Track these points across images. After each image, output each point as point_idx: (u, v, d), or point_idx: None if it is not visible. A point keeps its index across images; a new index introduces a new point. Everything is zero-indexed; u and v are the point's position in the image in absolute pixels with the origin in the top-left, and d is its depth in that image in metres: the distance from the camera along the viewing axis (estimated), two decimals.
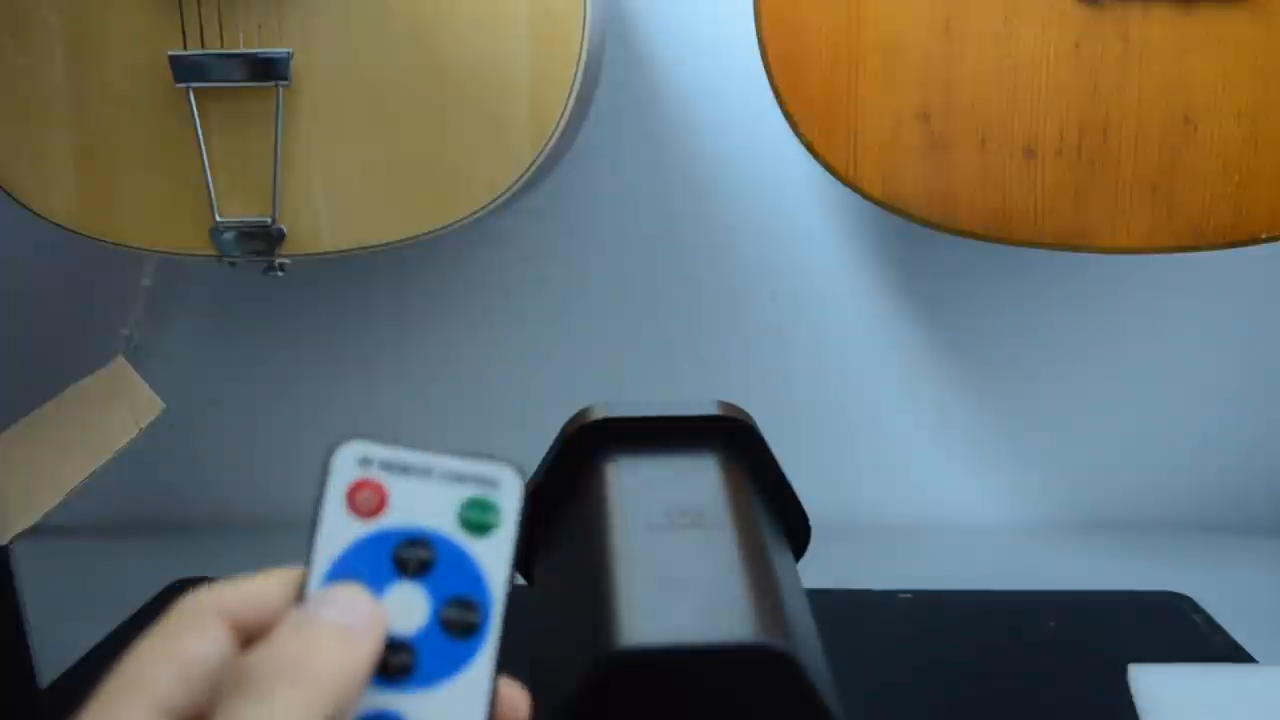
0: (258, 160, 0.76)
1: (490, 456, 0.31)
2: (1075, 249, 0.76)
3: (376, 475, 0.31)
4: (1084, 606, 0.81)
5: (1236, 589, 0.83)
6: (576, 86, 0.75)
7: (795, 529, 0.47)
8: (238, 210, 0.77)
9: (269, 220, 0.76)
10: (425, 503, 0.30)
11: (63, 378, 0.85)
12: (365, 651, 0.28)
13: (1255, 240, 0.75)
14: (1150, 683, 0.66)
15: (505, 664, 0.29)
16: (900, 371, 0.96)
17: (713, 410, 0.46)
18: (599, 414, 0.46)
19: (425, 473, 0.31)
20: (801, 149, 0.77)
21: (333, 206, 0.77)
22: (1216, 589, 0.81)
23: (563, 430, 0.46)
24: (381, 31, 0.75)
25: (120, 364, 0.86)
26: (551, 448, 0.46)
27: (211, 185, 0.76)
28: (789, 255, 0.94)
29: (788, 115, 0.76)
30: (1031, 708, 0.69)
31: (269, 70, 0.75)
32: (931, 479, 0.96)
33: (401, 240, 0.77)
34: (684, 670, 0.32)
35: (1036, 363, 0.95)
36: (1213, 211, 0.74)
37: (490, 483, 0.30)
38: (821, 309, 0.95)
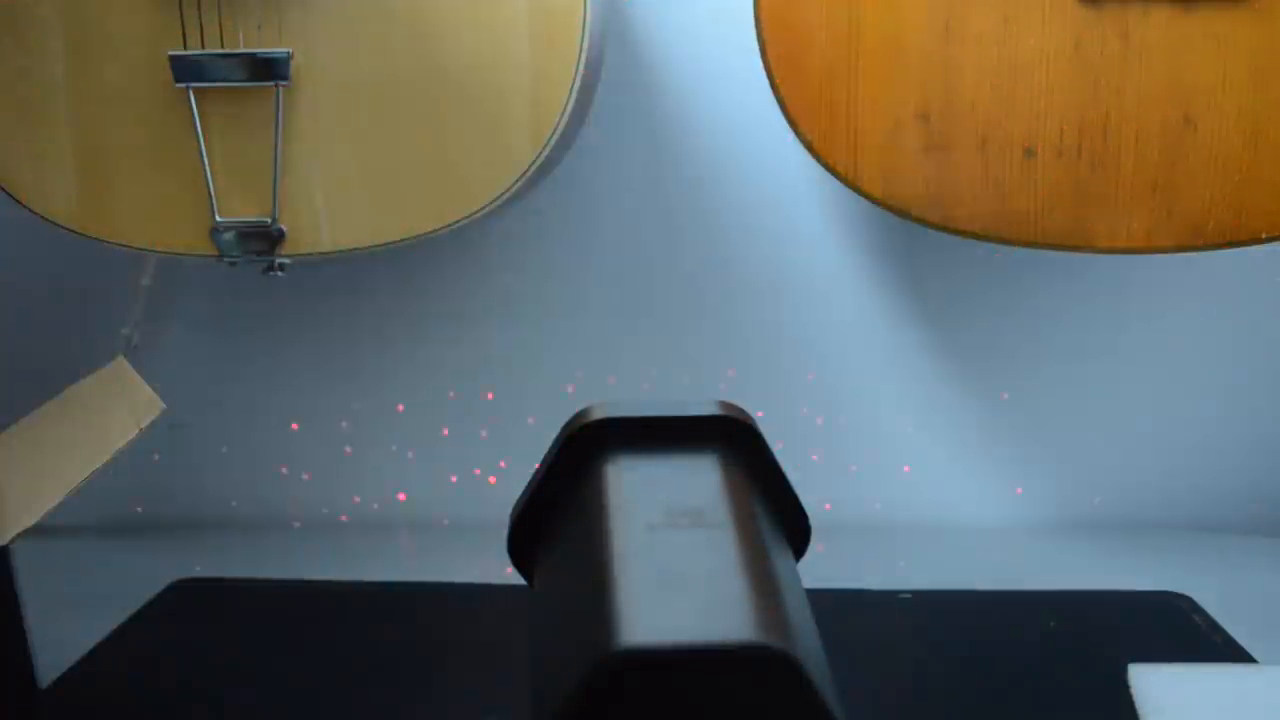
0: (258, 160, 0.76)
1: None
2: (1075, 249, 0.76)
3: None
4: (1084, 606, 0.81)
5: (1236, 589, 0.83)
6: (576, 86, 0.75)
7: (795, 529, 0.47)
8: (238, 210, 0.77)
9: (269, 220, 0.76)
10: None
11: (63, 378, 0.85)
12: None
13: (1255, 240, 0.75)
14: (1150, 683, 0.66)
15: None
16: (900, 371, 0.96)
17: (713, 410, 0.46)
18: (599, 414, 0.46)
19: None
20: (801, 149, 0.77)
21: (333, 206, 0.77)
22: (1216, 589, 0.81)
23: (562, 430, 0.46)
24: (381, 31, 0.75)
25: (120, 364, 0.86)
26: (551, 448, 0.46)
27: (211, 185, 0.76)
28: (789, 255, 0.94)
29: (787, 115, 0.76)
30: (1031, 708, 0.69)
31: (269, 70, 0.75)
32: (931, 479, 0.96)
33: (401, 240, 0.77)
34: (684, 670, 0.32)
35: (1037, 363, 0.95)
36: (1213, 211, 0.74)
37: None
38: (822, 309, 0.95)
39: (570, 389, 0.97)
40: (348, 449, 0.98)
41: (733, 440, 0.46)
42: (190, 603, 0.83)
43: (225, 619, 0.81)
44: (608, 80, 0.92)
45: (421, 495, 0.98)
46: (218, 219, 0.76)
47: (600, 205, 0.94)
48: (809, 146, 0.76)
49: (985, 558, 0.90)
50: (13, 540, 0.68)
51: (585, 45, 0.75)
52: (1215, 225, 0.75)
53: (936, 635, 0.78)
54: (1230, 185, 0.74)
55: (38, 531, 0.70)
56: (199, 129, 0.76)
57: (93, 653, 0.75)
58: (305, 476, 0.98)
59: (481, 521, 0.98)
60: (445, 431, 0.97)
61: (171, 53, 0.75)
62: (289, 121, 0.76)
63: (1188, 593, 0.81)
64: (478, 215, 0.77)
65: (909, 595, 0.82)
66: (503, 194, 0.76)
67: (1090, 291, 0.93)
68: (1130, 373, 0.94)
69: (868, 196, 0.77)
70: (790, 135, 0.78)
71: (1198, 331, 0.93)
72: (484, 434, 0.97)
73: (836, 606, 0.78)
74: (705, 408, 0.46)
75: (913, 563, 0.90)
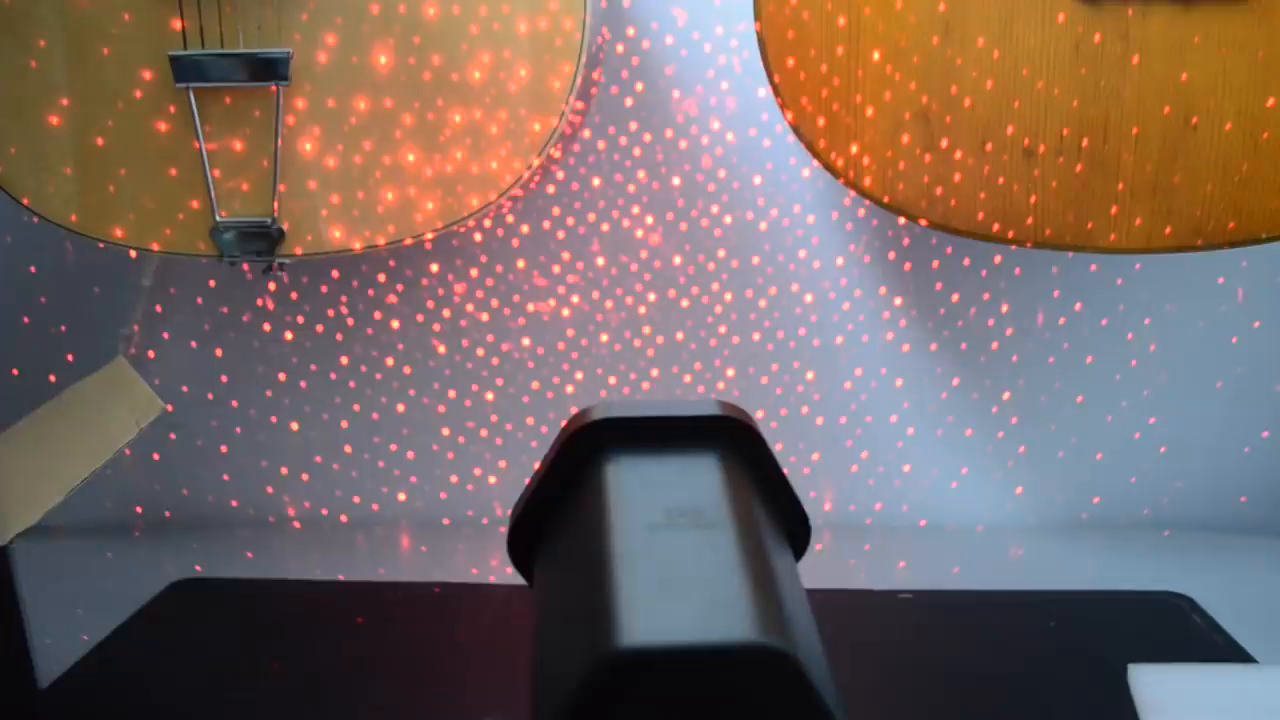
0: (258, 160, 0.76)
1: None
2: (1075, 249, 0.76)
3: None
4: (1084, 606, 0.81)
5: (1236, 589, 0.83)
6: (576, 86, 0.75)
7: (795, 529, 0.47)
8: (238, 210, 0.77)
9: (269, 220, 0.77)
10: None
11: (63, 378, 0.85)
12: None
13: (1255, 240, 0.75)
14: (1150, 683, 0.66)
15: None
16: (900, 371, 0.96)
17: (713, 410, 0.46)
18: (599, 414, 0.46)
19: None
20: (802, 148, 0.77)
21: (333, 206, 0.77)
22: (1216, 589, 0.81)
23: (562, 430, 0.46)
24: (381, 31, 0.75)
25: (120, 364, 0.86)
26: (551, 448, 0.46)
27: (211, 185, 0.76)
28: (789, 255, 0.94)
29: (787, 115, 0.76)
30: (1031, 708, 0.69)
31: (269, 70, 0.75)
32: (931, 479, 0.96)
33: (401, 240, 0.77)
34: (683, 670, 0.32)
35: (1037, 363, 0.95)
36: (1213, 211, 0.74)
37: None
38: (822, 309, 0.95)
39: (570, 389, 0.97)
40: (348, 449, 0.98)
41: (733, 440, 0.46)
42: (190, 603, 0.83)
43: (225, 619, 0.81)
44: (608, 80, 0.92)
45: (421, 495, 0.98)
46: (218, 219, 0.76)
47: (601, 205, 0.94)
48: (809, 147, 0.76)
49: (985, 558, 0.90)
50: (13, 540, 0.68)
51: (585, 45, 0.75)
52: (1215, 225, 0.75)
53: (936, 635, 0.78)
54: (1230, 185, 0.74)
55: (38, 531, 0.70)
56: (199, 129, 0.76)
57: (93, 653, 0.75)
58: (305, 477, 0.98)
59: (481, 521, 0.98)
60: (445, 431, 0.97)
61: (171, 53, 0.75)
62: (289, 121, 0.76)
63: (1188, 593, 0.81)
64: (478, 215, 0.77)
65: (909, 595, 0.82)
66: (502, 195, 0.76)
67: (1090, 291, 0.93)
68: (1130, 372, 0.94)
69: (868, 196, 0.77)
70: (790, 135, 0.78)
71: (1198, 331, 0.93)
72: (484, 434, 0.97)
73: (836, 606, 0.78)
74: (705, 408, 0.46)
75: (913, 563, 0.90)
